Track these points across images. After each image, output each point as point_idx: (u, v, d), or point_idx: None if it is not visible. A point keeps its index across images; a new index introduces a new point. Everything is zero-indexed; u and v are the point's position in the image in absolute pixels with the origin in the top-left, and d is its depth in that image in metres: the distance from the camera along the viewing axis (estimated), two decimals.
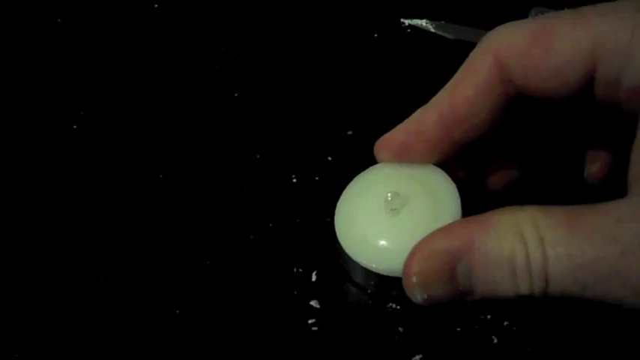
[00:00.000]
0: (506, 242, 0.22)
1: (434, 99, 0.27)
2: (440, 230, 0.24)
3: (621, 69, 0.23)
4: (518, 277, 0.22)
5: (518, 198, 0.24)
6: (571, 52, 0.24)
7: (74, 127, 0.37)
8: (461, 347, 0.28)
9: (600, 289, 0.21)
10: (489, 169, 0.30)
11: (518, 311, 0.29)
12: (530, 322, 0.29)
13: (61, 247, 0.32)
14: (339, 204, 0.29)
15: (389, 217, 0.27)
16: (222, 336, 0.29)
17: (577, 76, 0.24)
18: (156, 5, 0.43)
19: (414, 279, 0.24)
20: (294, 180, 0.34)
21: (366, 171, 0.29)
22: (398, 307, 0.29)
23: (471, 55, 0.26)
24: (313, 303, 0.30)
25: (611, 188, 0.23)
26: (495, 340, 0.28)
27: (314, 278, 0.31)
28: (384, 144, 0.28)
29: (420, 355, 0.28)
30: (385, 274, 0.27)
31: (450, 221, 0.26)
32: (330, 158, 0.35)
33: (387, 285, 0.28)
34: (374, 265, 0.27)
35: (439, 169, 0.28)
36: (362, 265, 0.27)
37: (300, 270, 0.31)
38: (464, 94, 0.26)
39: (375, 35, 0.41)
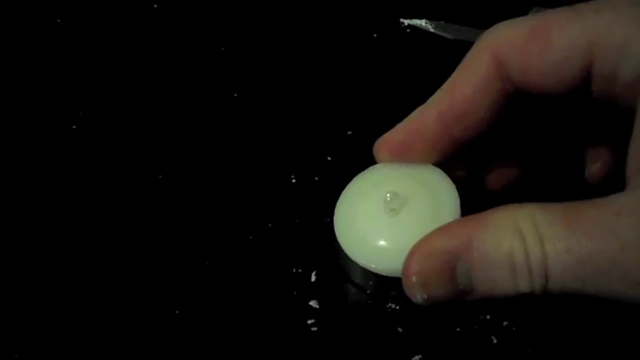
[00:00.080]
0: (504, 240, 0.22)
1: (432, 97, 0.27)
2: (439, 230, 0.24)
3: (617, 64, 0.23)
4: (518, 274, 0.22)
5: (518, 197, 0.24)
6: (568, 48, 0.24)
7: (74, 127, 0.37)
8: (461, 347, 0.28)
9: (600, 284, 0.21)
10: (489, 168, 0.30)
11: (518, 311, 0.29)
12: (530, 322, 0.29)
13: (61, 247, 0.32)
14: (338, 204, 0.29)
15: (388, 217, 0.27)
16: (222, 336, 0.29)
17: (574, 71, 0.24)
18: (156, 5, 0.43)
19: (414, 279, 0.24)
20: (294, 180, 0.34)
21: (365, 171, 0.29)
22: (397, 307, 0.29)
23: (469, 52, 0.26)
24: (313, 303, 0.30)
25: (612, 188, 0.22)
26: (495, 340, 0.28)
27: (313, 278, 0.31)
28: (383, 144, 0.28)
29: (420, 355, 0.28)
30: (384, 274, 0.27)
31: (450, 221, 0.26)
32: (329, 158, 0.35)
33: (387, 285, 0.28)
34: (373, 266, 0.27)
35: (438, 169, 0.28)
36: (361, 265, 0.27)
37: (300, 270, 0.31)
38: (462, 92, 0.26)
39: (375, 35, 0.41)
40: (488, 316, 0.29)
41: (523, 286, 0.22)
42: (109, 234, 0.33)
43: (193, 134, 0.36)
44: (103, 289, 0.31)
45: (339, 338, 0.29)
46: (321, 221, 0.32)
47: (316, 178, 0.34)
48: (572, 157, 0.30)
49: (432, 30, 0.40)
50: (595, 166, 0.30)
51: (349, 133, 0.36)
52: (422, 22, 0.41)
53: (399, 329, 0.29)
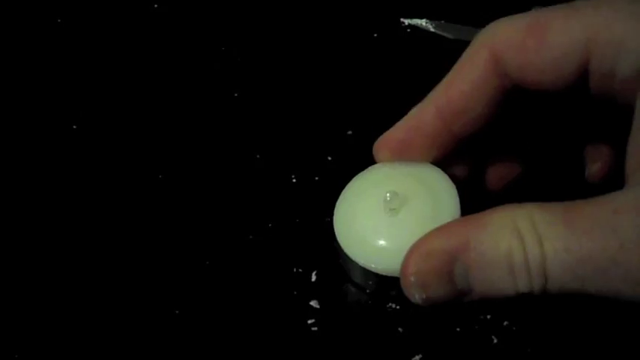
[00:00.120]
0: (502, 240, 0.22)
1: (431, 94, 0.27)
2: (437, 229, 0.24)
3: (615, 60, 0.23)
4: (517, 274, 0.22)
5: (519, 197, 0.24)
6: (565, 45, 0.24)
7: (74, 127, 0.37)
8: (461, 347, 0.28)
9: (600, 283, 0.21)
10: (488, 168, 0.30)
11: (518, 311, 0.29)
12: (530, 322, 0.29)
13: (61, 247, 0.32)
14: (338, 204, 0.29)
15: (388, 216, 0.27)
16: (222, 336, 0.29)
17: (571, 68, 0.24)
18: (156, 5, 0.43)
19: (412, 279, 0.23)
20: (294, 180, 0.34)
21: (365, 171, 0.29)
22: (397, 307, 0.29)
23: (467, 49, 0.26)
24: (313, 303, 0.30)
25: (613, 187, 0.22)
26: (495, 340, 0.28)
27: (314, 278, 0.31)
28: (383, 143, 0.28)
29: (420, 355, 0.28)
30: (384, 274, 0.27)
31: (449, 220, 0.26)
32: (329, 158, 0.35)
33: (386, 285, 0.28)
34: (373, 265, 0.27)
35: (438, 169, 0.28)
36: (361, 265, 0.27)
37: (300, 270, 0.31)
38: (460, 89, 0.26)
39: (375, 35, 0.41)
40: (488, 316, 0.29)
41: (522, 286, 0.22)
42: (109, 234, 0.33)
43: (193, 134, 0.36)
44: (103, 289, 0.31)
45: (340, 338, 0.29)
46: (321, 221, 0.32)
47: (316, 178, 0.34)
48: (572, 156, 0.30)
49: (432, 30, 0.40)
50: (595, 165, 0.30)
51: (349, 133, 0.36)
52: (422, 22, 0.41)
53: (399, 329, 0.29)
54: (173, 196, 0.34)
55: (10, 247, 0.32)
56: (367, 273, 0.28)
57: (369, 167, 0.29)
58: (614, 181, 0.29)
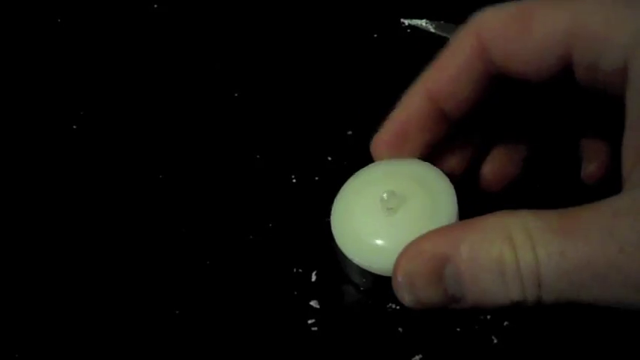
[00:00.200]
0: (493, 245, 0.21)
1: (420, 77, 0.27)
2: (430, 232, 0.23)
3: (598, 54, 0.23)
4: (509, 281, 0.21)
5: (517, 197, 0.24)
6: (549, 35, 0.23)
7: (74, 127, 0.37)
8: (461, 347, 0.28)
9: (598, 291, 0.20)
10: (486, 166, 0.30)
11: (518, 311, 0.29)
12: (530, 322, 0.29)
13: (62, 247, 0.32)
14: (335, 203, 0.29)
15: (385, 216, 0.27)
16: (222, 336, 0.29)
17: (554, 59, 0.24)
18: (156, 5, 0.43)
19: (400, 279, 0.23)
20: (294, 180, 0.34)
21: (362, 169, 0.29)
22: (397, 307, 0.29)
23: (455, 34, 0.26)
24: (313, 303, 0.30)
25: (610, 189, 0.22)
26: (495, 340, 0.28)
27: (314, 278, 0.31)
28: (379, 141, 0.28)
29: (420, 355, 0.28)
30: (381, 273, 0.27)
31: (447, 221, 0.26)
32: (329, 158, 0.35)
33: (385, 285, 0.28)
34: (370, 265, 0.27)
35: (436, 168, 0.28)
36: (358, 264, 0.27)
37: (300, 270, 0.31)
38: (448, 72, 0.26)
39: (375, 35, 0.41)
40: (488, 316, 0.29)
41: (515, 294, 0.21)
42: (109, 234, 0.33)
43: (194, 134, 0.36)
44: (103, 288, 0.31)
45: (340, 338, 0.29)
46: (321, 221, 0.32)
47: (316, 178, 0.34)
48: (569, 155, 0.30)
49: (432, 30, 0.40)
50: (591, 165, 0.29)
51: (349, 133, 0.36)
52: (422, 22, 0.41)
53: (399, 329, 0.29)
54: (173, 196, 0.34)
55: (11, 247, 0.32)
56: (364, 272, 0.28)
57: (367, 166, 0.29)
58: (610, 183, 0.29)
